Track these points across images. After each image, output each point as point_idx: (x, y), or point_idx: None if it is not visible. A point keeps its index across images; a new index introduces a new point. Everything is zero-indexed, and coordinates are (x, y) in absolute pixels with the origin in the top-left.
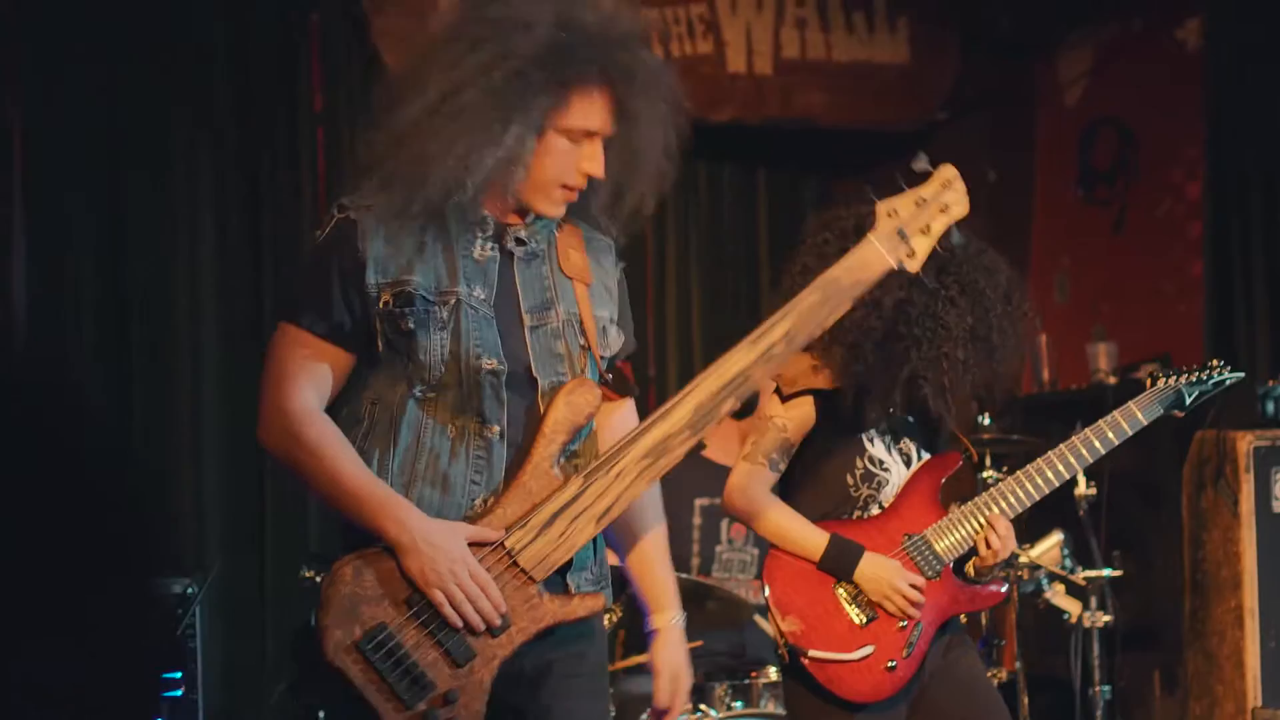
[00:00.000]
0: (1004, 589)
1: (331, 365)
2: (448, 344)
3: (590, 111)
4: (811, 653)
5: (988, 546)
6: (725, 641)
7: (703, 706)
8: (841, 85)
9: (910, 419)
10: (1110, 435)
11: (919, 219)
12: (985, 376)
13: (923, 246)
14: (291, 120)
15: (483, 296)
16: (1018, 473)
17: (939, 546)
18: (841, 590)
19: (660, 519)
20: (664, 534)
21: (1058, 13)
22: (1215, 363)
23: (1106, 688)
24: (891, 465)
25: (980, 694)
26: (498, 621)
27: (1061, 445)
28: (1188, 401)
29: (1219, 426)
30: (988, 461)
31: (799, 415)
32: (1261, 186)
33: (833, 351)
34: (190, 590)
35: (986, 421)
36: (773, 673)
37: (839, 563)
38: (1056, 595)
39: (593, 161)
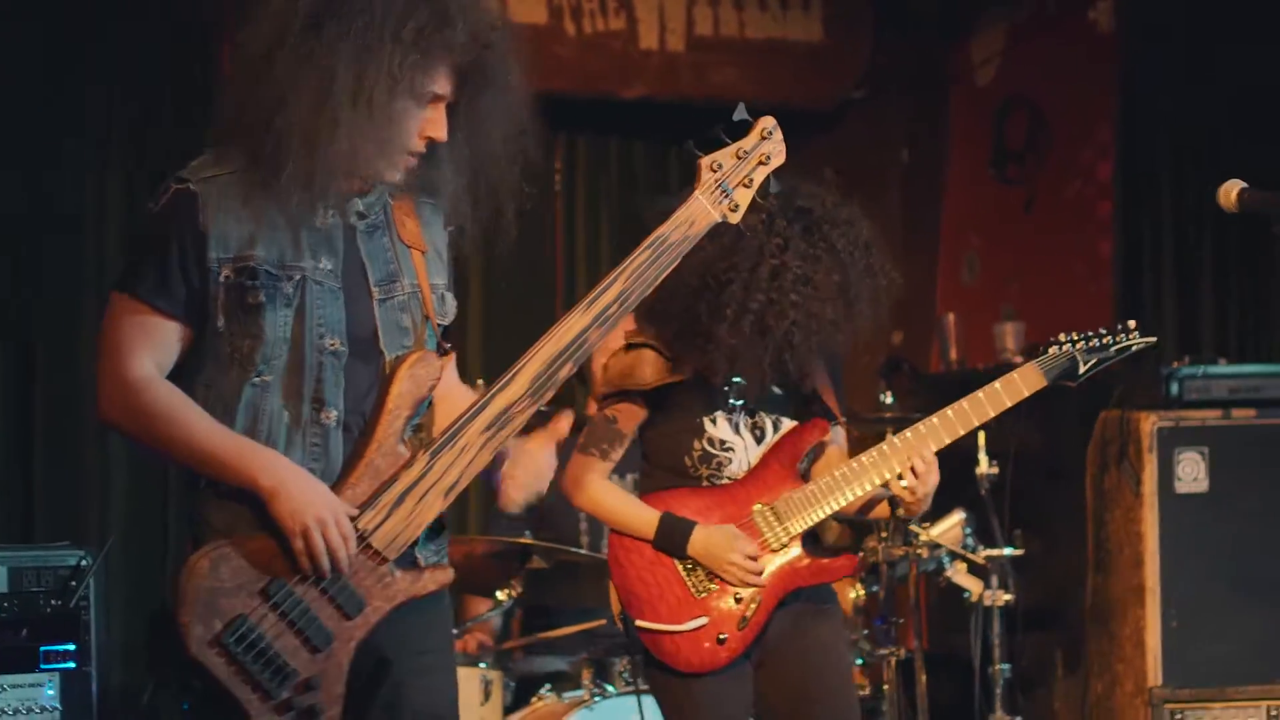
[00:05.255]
0: (853, 562)
1: (169, 338)
2: (291, 322)
3: (439, 76)
4: (639, 622)
5: (907, 484)
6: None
7: (600, 683)
8: (754, 63)
9: (778, 391)
10: (988, 407)
11: (740, 172)
12: (849, 332)
13: (744, 199)
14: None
15: (329, 268)
16: (881, 444)
17: (787, 518)
18: (682, 563)
19: None
20: None
21: None
22: (1131, 324)
23: (1006, 666)
24: (736, 444)
25: (827, 666)
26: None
27: (933, 416)
28: (1081, 370)
29: (1124, 407)
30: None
31: (624, 408)
32: (1171, 167)
33: (682, 337)
34: (84, 561)
35: (889, 400)
36: None
37: (670, 542)
38: (958, 574)
39: (436, 126)
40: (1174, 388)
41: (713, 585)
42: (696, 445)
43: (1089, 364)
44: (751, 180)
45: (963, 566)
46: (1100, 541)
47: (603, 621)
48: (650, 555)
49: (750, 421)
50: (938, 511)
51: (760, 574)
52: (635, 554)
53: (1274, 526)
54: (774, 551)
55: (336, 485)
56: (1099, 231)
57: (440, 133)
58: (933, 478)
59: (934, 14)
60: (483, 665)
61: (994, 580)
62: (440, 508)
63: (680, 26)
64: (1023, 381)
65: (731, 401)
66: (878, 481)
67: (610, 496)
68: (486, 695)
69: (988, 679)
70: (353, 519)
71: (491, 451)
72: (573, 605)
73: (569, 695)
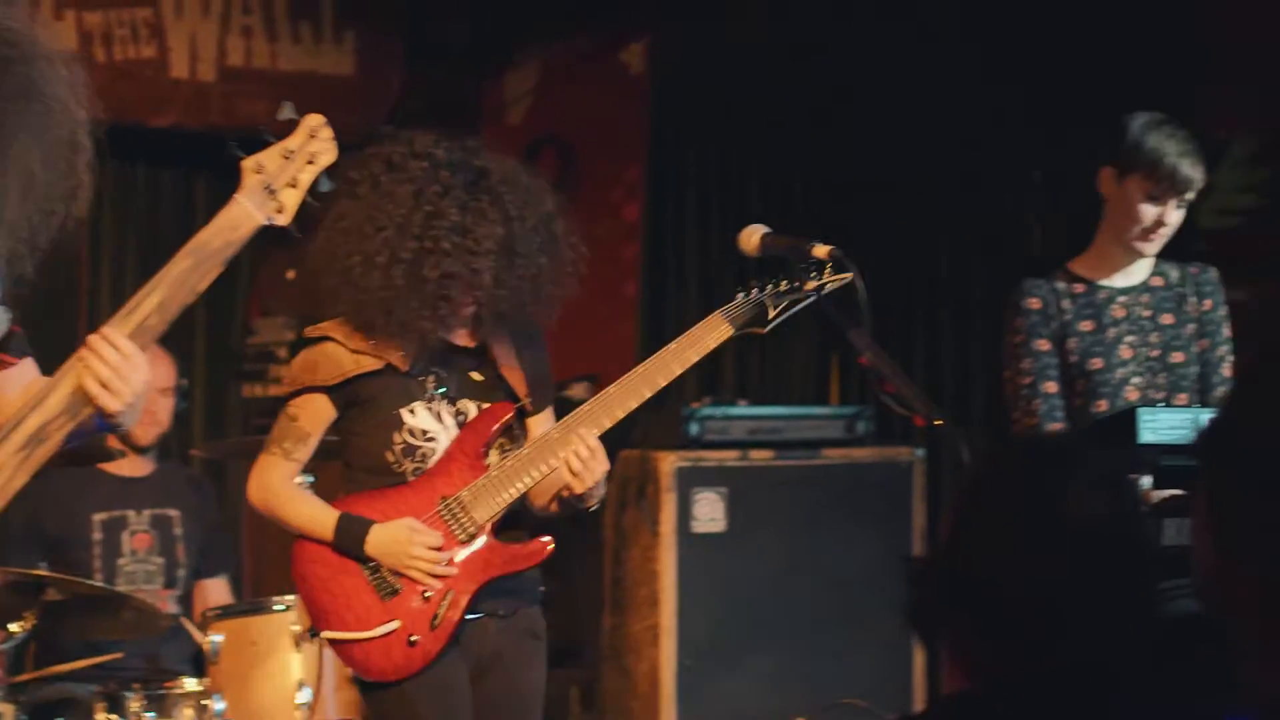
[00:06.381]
0: (544, 547)
1: None
2: None
3: None
4: (325, 634)
5: (573, 473)
6: (140, 651)
7: (114, 717)
8: (285, 94)
9: (479, 377)
10: (674, 365)
11: (286, 172)
12: (518, 296)
13: (291, 200)
14: None
15: None
16: (566, 419)
17: (473, 508)
18: (366, 566)
19: None
20: None
21: (505, 30)
22: (825, 260)
23: None
24: (440, 433)
25: (517, 708)
26: None
27: (620, 380)
28: (771, 315)
29: (643, 446)
30: None
31: (307, 406)
32: (696, 211)
33: (337, 293)
34: None
35: None
36: (187, 683)
37: (348, 542)
38: None
39: None
40: (693, 428)
41: (399, 585)
42: (397, 439)
43: (779, 308)
44: (298, 181)
45: None
46: (618, 580)
47: (118, 655)
48: (335, 563)
49: (453, 409)
50: None
51: (448, 565)
52: (319, 564)
53: (790, 567)
54: (463, 544)
55: None
56: (626, 273)
57: None
58: (598, 464)
59: (466, 51)
60: None
61: None
62: None
63: (212, 56)
64: (707, 332)
65: (430, 390)
66: (559, 461)
67: (294, 500)
68: None
69: None
70: None
71: (28, 472)
72: (88, 637)
73: None
